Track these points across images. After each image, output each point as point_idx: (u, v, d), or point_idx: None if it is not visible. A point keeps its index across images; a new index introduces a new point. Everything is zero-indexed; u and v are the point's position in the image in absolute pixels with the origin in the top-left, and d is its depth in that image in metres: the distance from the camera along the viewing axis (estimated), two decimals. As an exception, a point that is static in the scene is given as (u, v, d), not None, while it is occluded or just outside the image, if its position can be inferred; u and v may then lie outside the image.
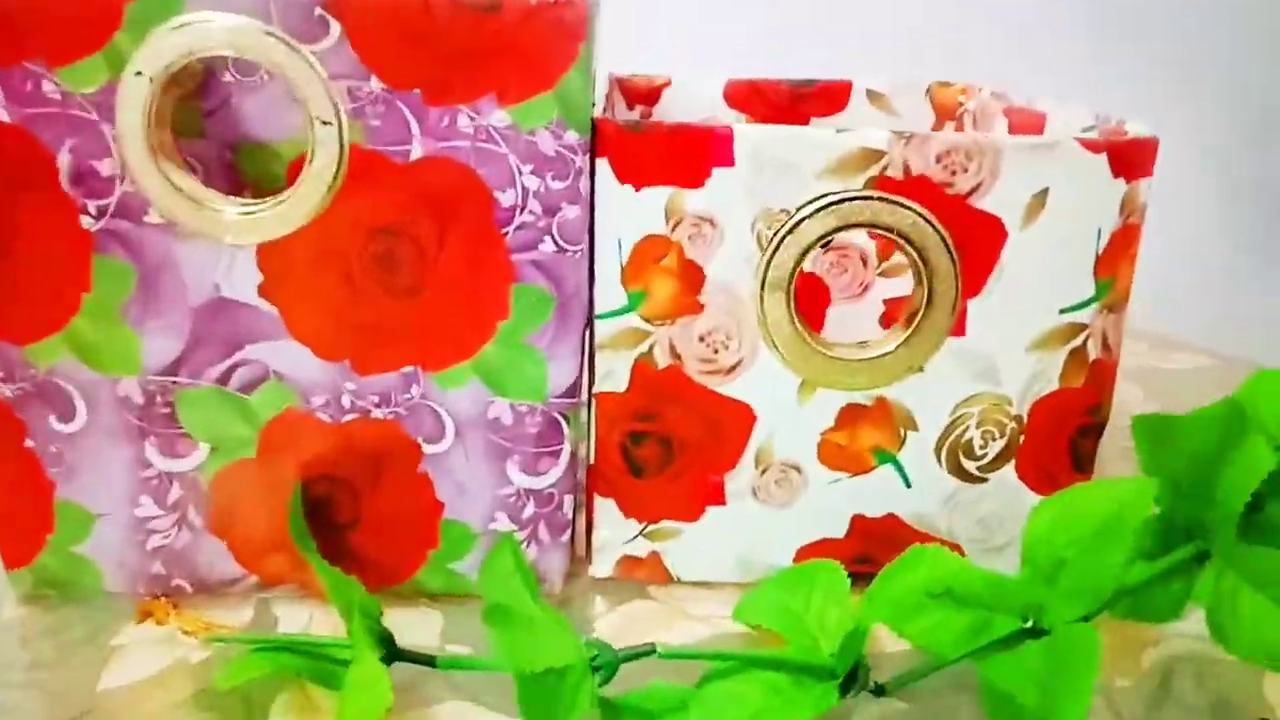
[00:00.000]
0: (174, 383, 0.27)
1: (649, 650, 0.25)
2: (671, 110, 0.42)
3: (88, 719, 0.25)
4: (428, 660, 0.26)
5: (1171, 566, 0.30)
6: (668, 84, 0.42)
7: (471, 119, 0.25)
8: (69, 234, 0.26)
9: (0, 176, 0.25)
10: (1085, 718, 0.24)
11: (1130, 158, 0.27)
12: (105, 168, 0.25)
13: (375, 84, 0.25)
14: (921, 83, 0.42)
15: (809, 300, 0.45)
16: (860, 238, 0.46)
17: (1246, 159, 0.71)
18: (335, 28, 0.24)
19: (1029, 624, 0.27)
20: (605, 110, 0.40)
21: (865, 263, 0.46)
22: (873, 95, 0.43)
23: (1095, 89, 0.62)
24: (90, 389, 0.27)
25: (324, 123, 0.25)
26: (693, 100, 0.42)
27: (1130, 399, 0.49)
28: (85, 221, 0.25)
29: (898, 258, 0.46)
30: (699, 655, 0.26)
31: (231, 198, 0.26)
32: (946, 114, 0.43)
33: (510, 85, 0.25)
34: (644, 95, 0.42)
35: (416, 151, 0.25)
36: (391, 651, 0.26)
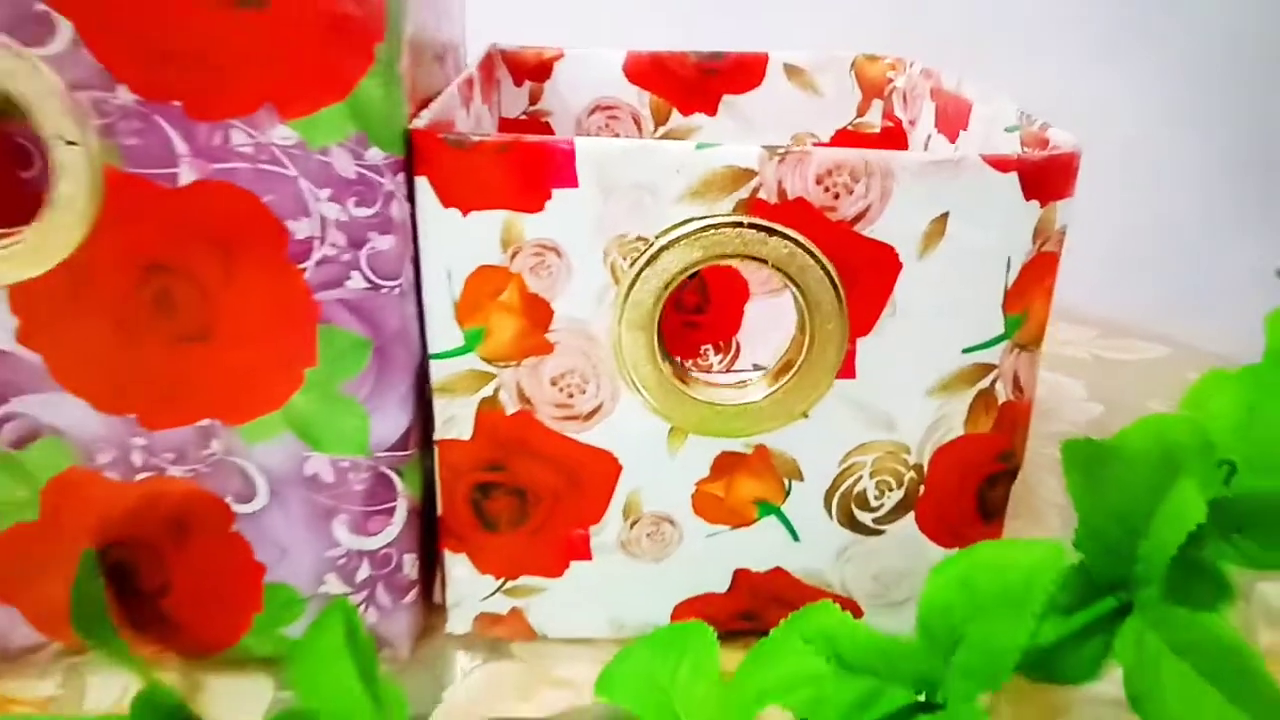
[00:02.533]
0: (-70, 441, 0.23)
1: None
2: (564, 86, 0.38)
3: None
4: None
5: (1089, 622, 0.27)
6: (559, 56, 0.38)
7: (249, 136, 0.21)
8: None
9: None
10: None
11: (1045, 177, 0.23)
12: None
13: (125, 94, 0.20)
14: (846, 57, 0.38)
15: (725, 293, 0.42)
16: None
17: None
18: (65, 27, 0.20)
19: (922, 698, 0.24)
20: (488, 89, 0.35)
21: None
22: (791, 70, 0.38)
23: (1057, 57, 0.57)
24: None
25: (68, 142, 0.20)
26: (589, 74, 0.38)
27: (1071, 395, 0.45)
28: None
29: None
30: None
31: (-30, 230, 0.21)
32: (874, 91, 0.38)
33: (290, 95, 0.20)
34: (533, 70, 0.38)
35: (186, 175, 0.21)
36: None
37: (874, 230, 0.23)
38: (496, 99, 0.37)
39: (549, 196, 0.23)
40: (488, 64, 0.35)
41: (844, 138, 0.39)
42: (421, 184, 0.23)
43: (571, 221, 0.23)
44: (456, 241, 0.23)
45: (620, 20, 0.45)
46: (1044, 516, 0.36)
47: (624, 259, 0.23)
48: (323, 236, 0.22)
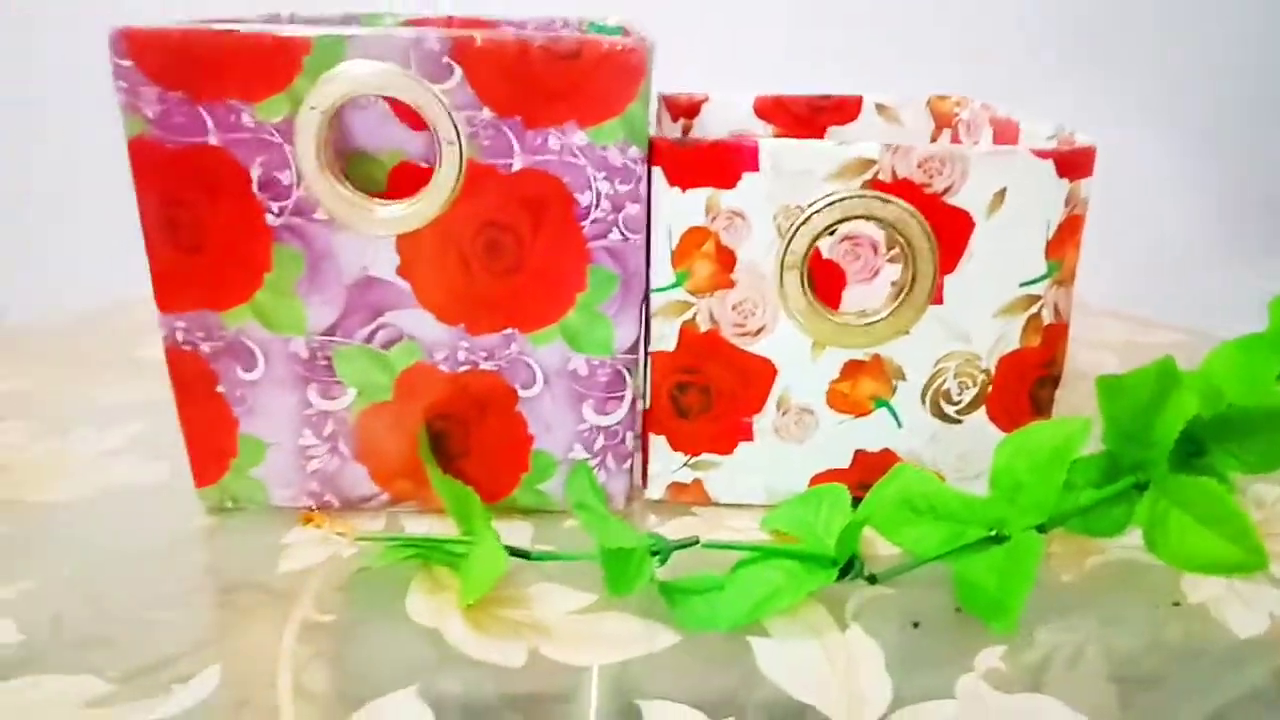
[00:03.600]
0: (331, 341, 0.36)
1: (693, 541, 0.33)
2: (709, 122, 0.50)
3: (266, 588, 0.34)
4: (524, 554, 0.35)
5: (1116, 493, 0.37)
6: (706, 99, 0.50)
7: (559, 139, 0.33)
8: (257, 229, 0.34)
9: (206, 186, 0.33)
10: (1027, 597, 0.31)
11: (1072, 163, 0.34)
12: (285, 177, 0.34)
13: (487, 113, 0.33)
14: (922, 97, 0.50)
15: (827, 282, 0.53)
16: (870, 229, 0.54)
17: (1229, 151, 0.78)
18: (458, 71, 0.32)
19: (993, 534, 0.35)
20: (655, 122, 0.48)
21: (875, 250, 0.53)
22: (880, 108, 0.50)
23: (1081, 93, 0.69)
24: (268, 346, 0.36)
25: (449, 143, 0.33)
26: (727, 113, 0.50)
27: (1108, 367, 0.55)
28: (269, 219, 0.34)
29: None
30: (732, 546, 0.34)
31: (378, 200, 0.34)
32: (944, 122, 0.50)
33: (589, 113, 0.33)
34: (686, 109, 0.50)
35: (517, 164, 0.33)
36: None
37: (956, 199, 0.35)
38: (660, 130, 0.50)
39: (739, 178, 0.35)
40: (656, 105, 0.48)
41: (920, 158, 0.51)
42: (656, 171, 0.35)
43: (753, 195, 0.35)
44: (676, 209, 0.35)
45: (752, 71, 0.58)
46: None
47: (786, 220, 0.35)
48: (597, 204, 0.34)
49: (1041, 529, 0.34)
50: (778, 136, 0.51)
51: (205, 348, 0.36)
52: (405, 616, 0.32)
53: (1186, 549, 0.35)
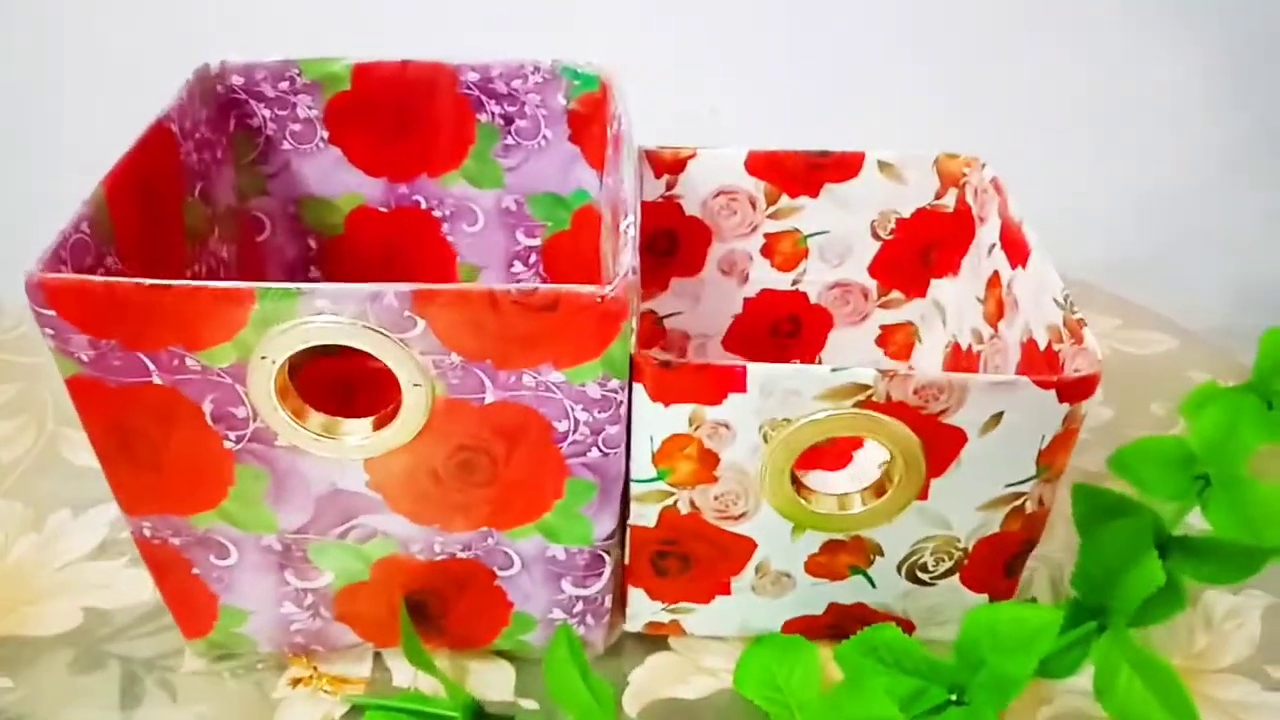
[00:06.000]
0: (305, 538, 0.35)
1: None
2: (696, 179, 0.46)
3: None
4: (508, 718, 0.37)
5: (1076, 639, 0.39)
6: (693, 155, 0.46)
7: (534, 377, 0.31)
8: (215, 453, 0.32)
9: (159, 419, 0.31)
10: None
11: (1074, 390, 0.32)
12: (240, 412, 0.31)
13: (455, 358, 0.30)
14: (929, 155, 0.45)
15: (813, 324, 0.51)
16: (863, 277, 0.51)
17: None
18: (420, 323, 0.29)
19: (954, 698, 0.37)
20: (637, 180, 0.44)
21: (866, 297, 0.52)
22: (883, 165, 0.46)
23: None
24: (240, 540, 0.35)
25: (415, 385, 0.30)
26: (716, 167, 0.46)
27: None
28: (227, 444, 0.32)
29: (894, 294, 0.52)
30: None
31: (344, 425, 0.32)
32: (950, 181, 0.46)
33: (565, 357, 0.30)
34: (670, 165, 0.46)
35: (490, 398, 0.31)
36: (481, 715, 0.37)
37: (951, 420, 0.33)
38: (639, 188, 0.46)
39: (725, 396, 0.33)
40: (635, 162, 0.43)
41: (922, 214, 0.47)
42: (638, 387, 0.33)
43: (739, 411, 0.33)
44: (658, 420, 0.33)
45: (744, 124, 0.52)
46: (1054, 528, 0.47)
47: (773, 430, 0.34)
48: (575, 429, 0.32)
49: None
50: (771, 194, 0.47)
51: (175, 541, 0.35)
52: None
53: (1132, 708, 0.37)
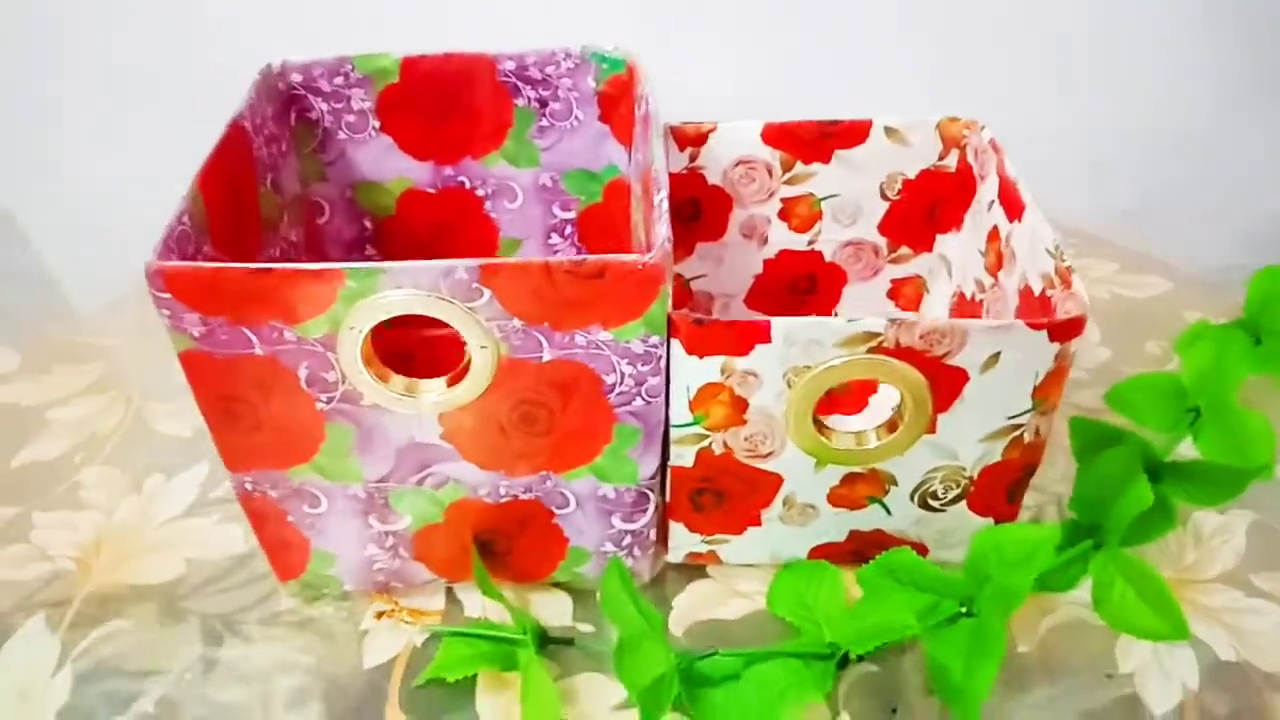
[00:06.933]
0: (386, 487, 0.40)
1: (713, 652, 0.40)
2: (716, 150, 0.50)
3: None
4: (568, 641, 0.42)
5: (1074, 556, 0.43)
6: (714, 129, 0.49)
7: (586, 336, 0.35)
8: (309, 413, 0.37)
9: (260, 385, 0.36)
10: (990, 688, 0.38)
11: (1064, 330, 0.37)
12: (330, 376, 0.36)
13: (516, 322, 0.35)
14: (932, 120, 0.49)
15: (829, 281, 0.55)
16: (873, 235, 0.55)
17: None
18: (486, 293, 0.34)
19: (964, 609, 0.41)
20: (664, 154, 0.48)
21: (877, 254, 0.55)
22: (889, 131, 0.49)
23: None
24: (329, 490, 0.40)
25: (481, 347, 0.35)
26: (735, 142, 0.50)
27: (1088, 340, 0.59)
28: (319, 405, 0.37)
29: (903, 250, 0.56)
30: (745, 654, 0.40)
31: (421, 385, 0.36)
32: (952, 143, 0.50)
33: (612, 318, 0.35)
34: (693, 139, 0.50)
35: (547, 356, 0.36)
36: (544, 639, 0.42)
37: (954, 360, 0.37)
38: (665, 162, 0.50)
39: (752, 348, 0.37)
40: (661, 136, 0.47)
41: (926, 175, 0.51)
42: (675, 343, 0.37)
43: (765, 360, 0.37)
44: (693, 372, 0.38)
45: (760, 98, 0.56)
46: (1055, 460, 0.51)
47: (796, 376, 0.38)
48: (621, 381, 0.37)
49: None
50: (786, 162, 0.50)
51: (273, 494, 0.40)
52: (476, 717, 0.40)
53: (1125, 615, 0.42)
